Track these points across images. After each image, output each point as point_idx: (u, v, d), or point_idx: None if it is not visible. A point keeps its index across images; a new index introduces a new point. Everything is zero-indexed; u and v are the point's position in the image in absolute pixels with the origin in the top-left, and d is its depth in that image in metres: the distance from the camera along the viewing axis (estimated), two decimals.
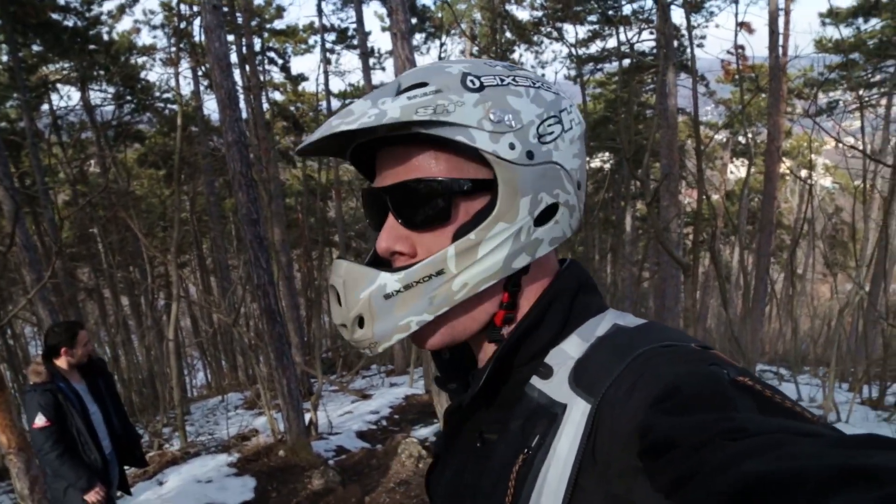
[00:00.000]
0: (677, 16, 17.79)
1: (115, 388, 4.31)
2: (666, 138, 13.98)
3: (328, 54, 19.99)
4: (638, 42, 17.20)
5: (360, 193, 0.78)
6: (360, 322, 0.70)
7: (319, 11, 18.87)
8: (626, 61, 17.01)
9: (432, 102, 0.65)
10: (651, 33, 16.20)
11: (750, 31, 15.32)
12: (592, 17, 18.14)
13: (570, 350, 0.68)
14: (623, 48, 15.60)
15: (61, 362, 3.80)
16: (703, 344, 0.62)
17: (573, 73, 18.95)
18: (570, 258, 0.80)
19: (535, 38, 19.42)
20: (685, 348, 0.60)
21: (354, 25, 18.84)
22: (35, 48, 16.43)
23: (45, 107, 17.35)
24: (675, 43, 14.93)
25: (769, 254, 14.99)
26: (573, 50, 11.59)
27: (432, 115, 0.64)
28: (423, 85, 0.67)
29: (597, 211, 16.01)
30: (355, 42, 19.29)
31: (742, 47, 15.79)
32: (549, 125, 0.69)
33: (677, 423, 0.49)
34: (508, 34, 19.53)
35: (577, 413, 0.60)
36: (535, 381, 0.68)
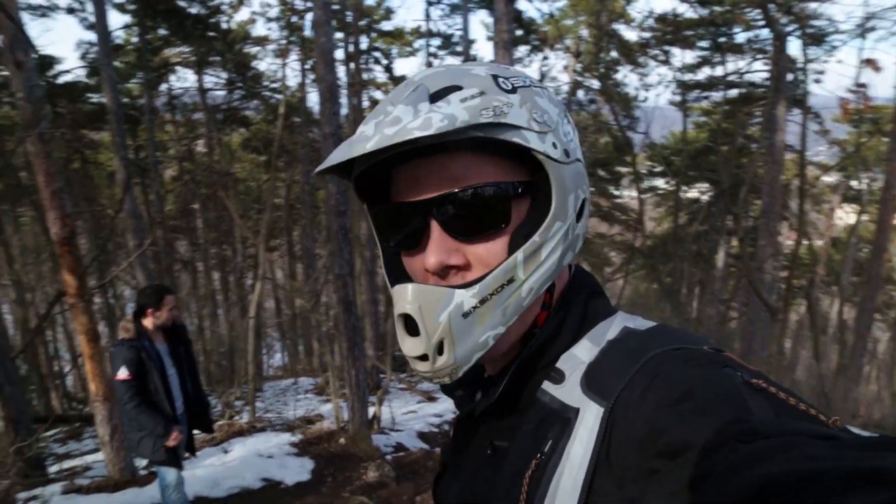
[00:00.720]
0: (794, 48, 16.97)
1: (193, 355, 4.51)
2: (770, 175, 13.36)
3: (431, 59, 20.30)
4: (749, 72, 16.56)
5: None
6: (440, 348, 0.66)
7: (427, 16, 19.22)
8: (735, 91, 16.39)
9: (488, 104, 0.62)
10: (765, 64, 15.56)
11: (876, 69, 14.38)
12: (703, 43, 17.58)
13: (581, 354, 0.67)
14: (732, 77, 15.00)
15: (147, 322, 4.01)
16: (716, 346, 0.62)
17: (678, 98, 18.41)
18: (574, 263, 0.79)
19: (641, 60, 19.01)
20: (697, 350, 0.60)
21: (460, 32, 19.10)
22: (160, 32, 17.53)
23: (164, 87, 18.47)
24: (790, 76, 14.24)
25: (873, 310, 14.01)
26: (676, 74, 11.27)
27: (493, 118, 0.62)
28: (458, 88, 0.64)
29: (688, 242, 15.48)
30: (459, 49, 19.52)
31: (864, 86, 14.90)
32: (567, 124, 0.70)
33: (691, 426, 0.49)
34: (614, 53, 19.22)
35: (590, 417, 0.60)
36: (547, 386, 0.68)
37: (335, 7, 16.42)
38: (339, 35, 17.68)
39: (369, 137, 0.61)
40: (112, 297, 16.17)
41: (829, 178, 20.12)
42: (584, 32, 19.69)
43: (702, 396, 0.52)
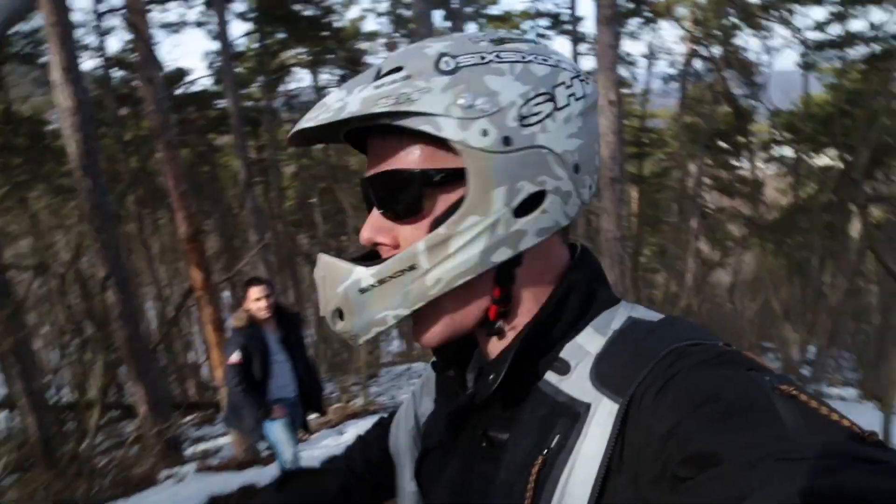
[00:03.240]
0: None
1: (303, 342, 4.82)
2: None
3: (540, 40, 20.04)
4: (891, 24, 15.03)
5: None
6: (340, 314, 0.68)
7: None
8: (870, 47, 14.92)
9: (396, 91, 0.61)
10: None
11: None
12: None
13: (586, 345, 0.64)
14: (869, 33, 13.65)
15: (254, 312, 4.33)
16: (729, 343, 0.59)
17: (804, 60, 17.05)
18: (581, 245, 0.74)
19: (763, 23, 17.74)
20: (715, 348, 0.57)
21: (568, 11, 18.72)
22: (278, 36, 18.50)
23: (282, 88, 19.51)
24: None
25: None
26: (801, 35, 10.40)
27: (394, 106, 0.60)
28: (398, 70, 0.64)
29: (817, 213, 14.39)
30: (568, 28, 19.14)
31: None
32: (537, 104, 0.63)
33: (722, 435, 0.47)
34: (733, 18, 18.08)
35: (603, 413, 0.57)
36: (551, 376, 0.64)
37: None
38: (447, 23, 17.89)
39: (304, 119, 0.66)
40: (240, 290, 17.39)
41: None
42: None
43: (728, 401, 0.49)
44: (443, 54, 0.63)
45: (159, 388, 7.31)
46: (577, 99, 0.66)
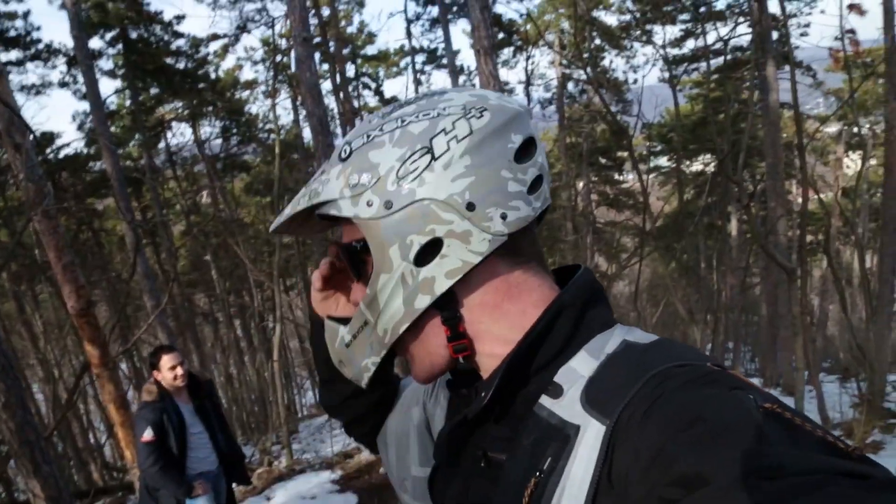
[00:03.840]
0: (775, 5, 16.77)
1: (220, 409, 4.56)
2: (769, 136, 13.26)
3: (419, 75, 20.42)
4: (734, 37, 16.47)
5: None
6: (342, 364, 0.81)
7: (409, 34, 19.28)
8: (722, 59, 16.30)
9: (310, 188, 0.74)
10: (748, 26, 15.49)
11: (861, 12, 14.23)
12: (685, 16, 17.53)
13: (579, 368, 0.65)
14: (718, 46, 14.93)
15: (163, 383, 4.06)
16: (718, 363, 0.60)
17: (667, 74, 18.35)
18: (583, 266, 0.76)
19: (625, 43, 18.98)
20: (702, 368, 0.58)
21: (443, 45, 19.18)
22: (152, 91, 17.83)
23: (162, 144, 18.75)
24: (774, 34, 14.14)
25: (894, 254, 13.78)
26: (662, 52, 11.21)
27: (308, 202, 0.72)
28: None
29: (698, 216, 15.37)
30: (445, 61, 19.58)
31: (853, 31, 14.73)
32: (413, 161, 0.67)
33: (708, 455, 0.47)
34: (598, 41, 19.22)
35: (591, 435, 0.58)
36: (545, 400, 0.65)
37: (317, 40, 16.58)
38: (325, 66, 17.86)
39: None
40: (139, 361, 16.36)
41: (831, 129, 19.90)
42: (566, 24, 19.72)
43: (713, 421, 0.49)
44: (345, 143, 0.72)
45: (59, 478, 6.68)
46: (460, 140, 0.67)
